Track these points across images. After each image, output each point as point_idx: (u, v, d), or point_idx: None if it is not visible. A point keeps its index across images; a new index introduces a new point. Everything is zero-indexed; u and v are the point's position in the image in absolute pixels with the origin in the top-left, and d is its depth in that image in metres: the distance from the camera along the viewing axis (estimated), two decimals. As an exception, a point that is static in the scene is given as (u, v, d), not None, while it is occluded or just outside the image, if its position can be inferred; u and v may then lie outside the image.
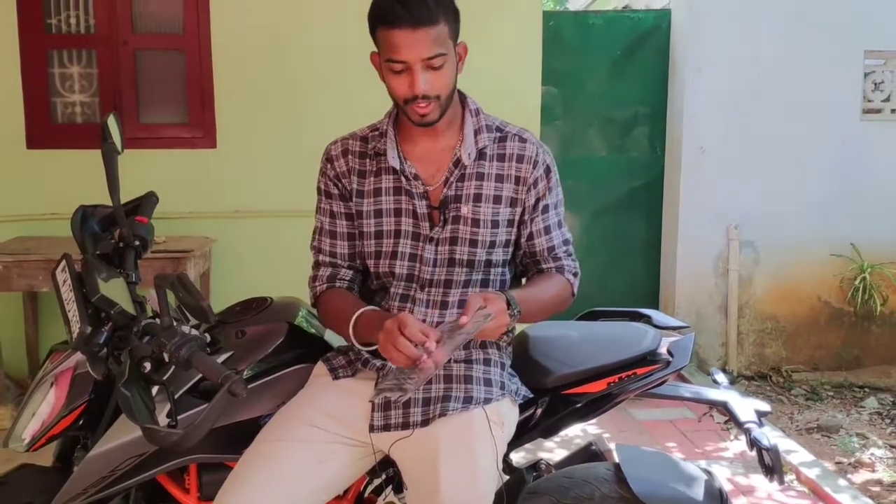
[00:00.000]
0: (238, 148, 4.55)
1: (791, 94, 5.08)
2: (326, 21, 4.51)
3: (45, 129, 4.51)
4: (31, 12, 4.44)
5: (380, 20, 1.70)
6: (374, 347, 1.71)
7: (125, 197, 1.81)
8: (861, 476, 3.70)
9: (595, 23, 5.34)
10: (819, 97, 5.10)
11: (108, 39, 4.48)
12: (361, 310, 1.77)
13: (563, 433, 2.06)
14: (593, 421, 2.04)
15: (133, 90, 4.53)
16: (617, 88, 5.31)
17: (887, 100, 5.20)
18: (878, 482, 3.63)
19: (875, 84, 5.18)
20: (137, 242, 1.83)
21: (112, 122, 1.84)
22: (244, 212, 4.58)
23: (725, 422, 4.20)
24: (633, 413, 4.26)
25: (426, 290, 1.83)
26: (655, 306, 5.26)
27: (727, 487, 2.12)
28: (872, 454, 3.92)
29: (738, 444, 3.95)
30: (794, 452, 3.79)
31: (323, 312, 1.90)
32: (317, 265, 1.93)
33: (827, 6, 5.05)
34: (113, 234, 1.87)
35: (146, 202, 1.92)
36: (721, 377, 2.16)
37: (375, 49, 1.77)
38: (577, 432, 3.69)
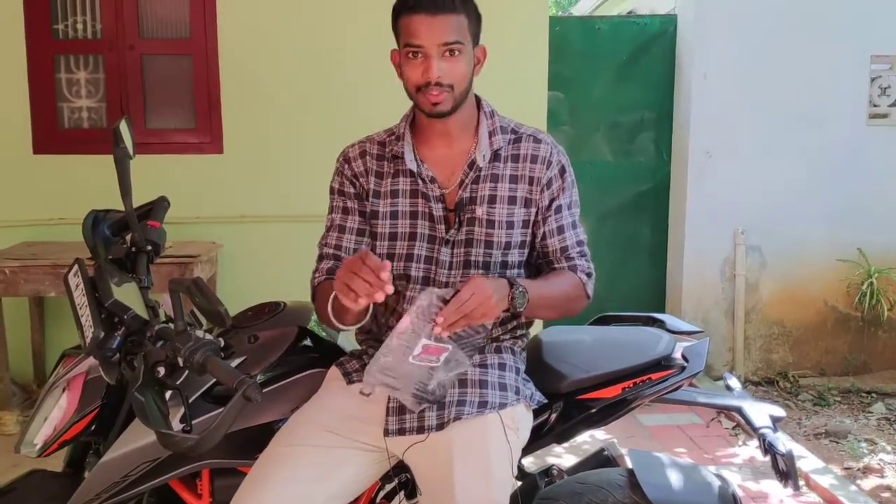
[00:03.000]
0: (245, 153, 4.55)
1: (797, 99, 5.07)
2: (333, 26, 4.51)
3: (51, 135, 4.51)
4: (38, 17, 4.45)
5: (402, 7, 1.74)
6: (357, 326, 1.71)
7: (132, 202, 1.80)
8: (870, 482, 3.68)
9: (601, 28, 5.34)
10: (825, 102, 5.10)
11: (114, 44, 4.48)
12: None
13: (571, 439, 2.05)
14: (602, 427, 2.02)
15: (140, 95, 4.54)
16: (623, 93, 5.31)
17: (894, 105, 5.18)
18: (888, 488, 3.61)
19: (881, 89, 5.16)
20: (149, 247, 1.83)
21: (124, 127, 1.84)
22: (251, 217, 4.58)
23: (733, 427, 4.20)
24: (640, 419, 4.25)
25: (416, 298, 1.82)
26: (662, 311, 5.25)
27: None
28: (881, 460, 3.90)
29: (747, 450, 3.94)
30: (803, 458, 3.77)
31: (317, 304, 1.85)
32: (319, 258, 1.92)
33: (833, 11, 5.05)
34: (124, 238, 1.87)
35: (158, 207, 1.92)
36: (734, 382, 2.15)
37: (391, 49, 1.80)
38: (586, 438, 3.68)
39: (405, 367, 1.57)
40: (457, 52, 1.73)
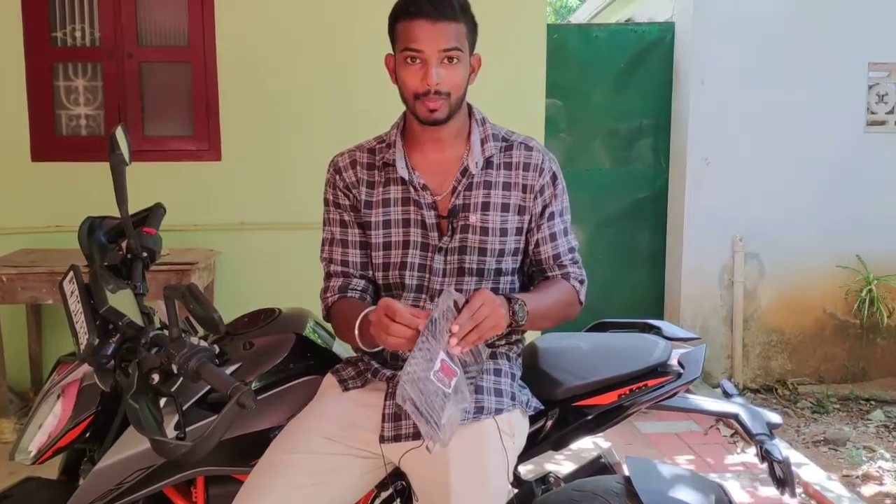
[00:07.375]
0: (243, 160, 4.55)
1: (795, 106, 5.09)
2: (332, 33, 4.52)
3: (49, 142, 4.52)
4: (37, 25, 4.45)
5: (402, 13, 1.75)
6: (379, 348, 1.74)
7: (130, 209, 1.80)
8: (869, 489, 3.67)
9: (599, 36, 5.35)
10: (823, 109, 5.11)
11: (113, 52, 4.49)
12: (365, 311, 1.73)
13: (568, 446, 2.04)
14: (600, 434, 2.01)
15: (138, 103, 4.54)
16: (621, 101, 5.32)
17: (891, 112, 5.20)
18: (887, 495, 3.60)
19: (879, 96, 5.18)
20: (145, 254, 1.82)
21: (120, 134, 1.83)
22: (249, 224, 4.58)
23: (732, 434, 4.19)
24: (639, 426, 4.25)
25: (436, 300, 1.82)
26: (660, 318, 5.24)
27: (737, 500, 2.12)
28: (880, 467, 3.89)
29: (746, 457, 3.93)
30: (802, 465, 3.77)
31: (335, 324, 1.88)
32: (328, 276, 1.92)
33: (831, 18, 5.07)
34: (120, 245, 1.86)
35: (154, 213, 1.91)
36: (731, 388, 2.15)
37: (387, 54, 1.80)
38: (583, 445, 3.66)
39: (428, 384, 1.54)
40: (455, 60, 1.74)
